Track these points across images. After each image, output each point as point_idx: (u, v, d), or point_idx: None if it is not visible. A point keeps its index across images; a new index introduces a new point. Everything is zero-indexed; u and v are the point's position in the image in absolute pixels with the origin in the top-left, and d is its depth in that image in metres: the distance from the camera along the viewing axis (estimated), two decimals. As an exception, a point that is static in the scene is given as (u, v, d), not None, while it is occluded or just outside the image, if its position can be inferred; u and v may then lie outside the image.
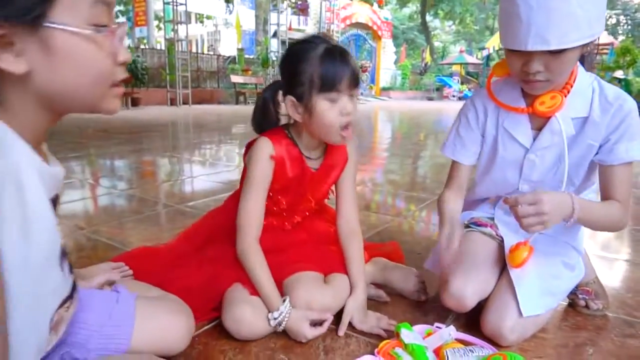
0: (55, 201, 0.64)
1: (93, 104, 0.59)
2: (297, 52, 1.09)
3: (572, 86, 1.00)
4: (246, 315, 1.02)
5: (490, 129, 1.12)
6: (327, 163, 1.22)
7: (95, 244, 1.69)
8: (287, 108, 1.11)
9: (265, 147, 1.13)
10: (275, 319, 1.03)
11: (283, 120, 1.20)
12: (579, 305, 1.23)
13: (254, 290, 1.08)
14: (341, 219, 1.24)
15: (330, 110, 1.06)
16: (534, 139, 1.07)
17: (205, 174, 3.19)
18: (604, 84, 1.02)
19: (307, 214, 1.31)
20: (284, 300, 1.06)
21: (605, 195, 1.04)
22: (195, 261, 1.24)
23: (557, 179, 1.07)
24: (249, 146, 1.18)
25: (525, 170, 1.11)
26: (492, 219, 1.23)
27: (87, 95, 0.57)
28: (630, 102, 1.00)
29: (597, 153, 1.03)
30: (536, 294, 1.04)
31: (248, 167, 1.15)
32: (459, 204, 1.18)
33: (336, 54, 1.06)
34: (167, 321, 0.92)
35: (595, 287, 1.24)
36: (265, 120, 1.17)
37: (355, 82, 1.08)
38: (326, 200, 1.37)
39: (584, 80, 1.02)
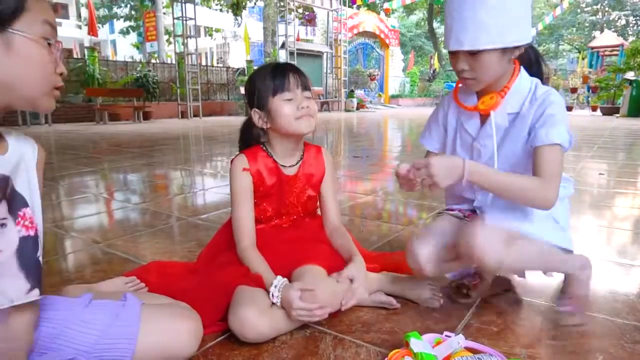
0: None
1: (34, 98, 0.73)
2: (252, 75, 1.30)
3: (509, 88, 1.15)
4: (250, 316, 1.05)
5: (452, 121, 1.30)
6: (304, 168, 1.37)
7: (110, 257, 1.73)
8: (255, 120, 1.28)
9: (239, 163, 1.30)
10: (275, 286, 1.11)
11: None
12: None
13: (256, 283, 1.14)
14: (326, 220, 1.42)
15: (285, 106, 1.23)
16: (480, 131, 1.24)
17: (217, 186, 3.23)
18: (539, 86, 1.16)
19: (295, 217, 1.41)
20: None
21: (536, 172, 1.10)
22: (207, 272, 1.28)
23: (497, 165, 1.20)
24: (232, 164, 1.33)
25: (474, 156, 1.24)
26: (473, 211, 1.32)
27: (32, 90, 0.71)
28: (555, 97, 1.12)
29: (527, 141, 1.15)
30: (504, 217, 1.17)
31: (230, 183, 1.31)
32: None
33: (282, 64, 1.27)
34: (173, 325, 0.94)
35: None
36: (248, 140, 1.36)
37: (304, 86, 1.25)
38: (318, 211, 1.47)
39: (524, 83, 1.16)
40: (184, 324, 0.95)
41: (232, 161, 1.32)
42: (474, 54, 1.07)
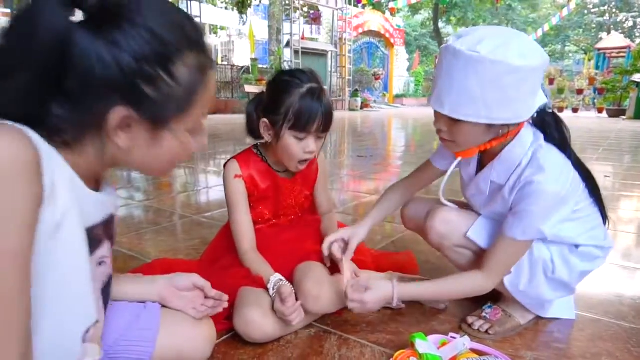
0: (106, 224, 0.71)
1: (151, 173, 0.72)
2: (283, 83, 1.19)
3: (494, 146, 1.04)
4: (255, 317, 1.06)
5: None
6: (299, 173, 1.35)
7: (115, 254, 1.72)
8: (261, 127, 1.24)
9: (231, 169, 1.29)
10: (271, 282, 1.12)
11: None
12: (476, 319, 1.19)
13: (259, 285, 1.14)
14: (319, 209, 1.47)
15: (294, 145, 1.20)
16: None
17: (221, 185, 3.22)
18: (536, 160, 1.00)
19: (293, 217, 1.41)
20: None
21: (486, 258, 1.07)
22: (211, 273, 1.28)
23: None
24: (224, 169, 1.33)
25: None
26: None
27: (154, 170, 0.70)
28: (544, 185, 0.97)
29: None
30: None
31: (224, 188, 1.32)
32: (395, 201, 1.35)
33: (315, 96, 1.16)
34: (191, 330, 0.95)
35: (505, 318, 1.19)
36: (252, 130, 1.30)
37: (325, 127, 1.20)
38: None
39: (516, 152, 1.04)
40: (201, 330, 0.96)
41: (224, 166, 1.32)
42: (454, 119, 0.97)
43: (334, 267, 1.25)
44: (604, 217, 1.15)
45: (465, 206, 1.28)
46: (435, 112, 1.02)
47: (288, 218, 1.41)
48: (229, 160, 1.32)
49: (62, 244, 0.57)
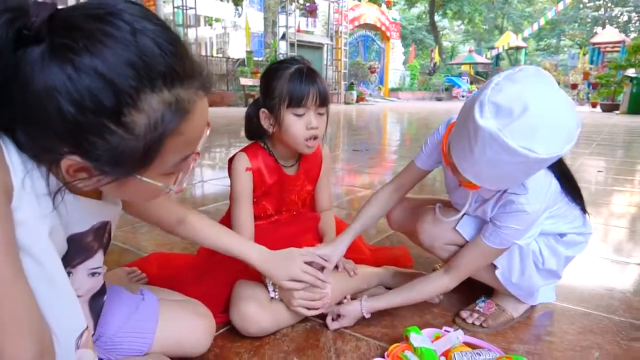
0: (98, 230, 0.70)
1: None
2: (272, 70, 1.22)
3: None
4: (252, 311, 1.07)
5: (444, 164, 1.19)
6: (303, 167, 1.37)
7: (110, 248, 1.73)
8: (262, 120, 1.24)
9: (242, 161, 1.28)
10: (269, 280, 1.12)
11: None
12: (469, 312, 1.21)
13: (256, 278, 1.15)
14: (318, 205, 1.47)
15: (296, 124, 1.20)
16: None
17: (216, 178, 3.23)
18: (524, 183, 0.99)
19: (294, 213, 1.42)
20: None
21: (455, 259, 1.13)
22: (207, 266, 1.29)
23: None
24: (231, 161, 1.30)
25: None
26: None
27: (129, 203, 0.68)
28: (522, 207, 0.99)
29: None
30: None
31: (231, 181, 1.30)
32: (380, 208, 1.30)
33: (303, 72, 1.19)
34: (190, 322, 0.96)
35: (498, 312, 1.21)
36: (252, 131, 1.32)
37: (321, 101, 1.20)
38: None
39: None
40: (200, 322, 0.97)
41: (232, 159, 1.31)
42: None
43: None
44: (583, 208, 1.17)
45: (450, 205, 1.29)
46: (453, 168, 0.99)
47: (290, 213, 1.42)
48: (237, 153, 1.30)
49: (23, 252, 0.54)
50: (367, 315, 1.15)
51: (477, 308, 1.22)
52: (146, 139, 0.53)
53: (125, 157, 0.53)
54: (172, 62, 0.53)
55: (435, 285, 1.15)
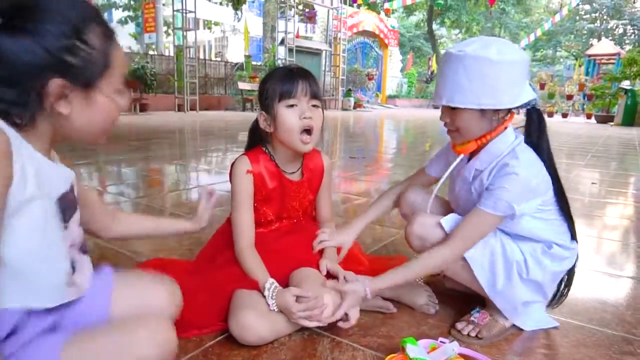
0: (65, 197, 0.80)
1: (95, 137, 0.82)
2: (266, 75, 1.31)
3: (486, 142, 1.18)
4: (250, 320, 1.08)
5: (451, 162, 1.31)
6: (305, 175, 1.39)
7: (105, 252, 1.73)
8: (260, 123, 1.29)
9: (243, 165, 1.31)
10: (268, 290, 1.14)
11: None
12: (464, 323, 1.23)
13: (253, 287, 1.16)
14: (318, 215, 1.49)
15: (289, 114, 1.24)
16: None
17: (213, 183, 3.24)
18: (516, 152, 1.13)
19: (295, 221, 1.43)
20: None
21: (456, 228, 1.17)
22: (206, 273, 1.30)
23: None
24: (232, 166, 1.33)
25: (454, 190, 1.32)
26: None
27: (96, 133, 0.81)
28: (520, 169, 1.09)
29: None
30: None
31: (232, 184, 1.32)
32: (390, 203, 1.47)
33: (293, 70, 1.27)
34: (149, 285, 0.99)
35: (492, 323, 1.22)
36: (255, 139, 1.38)
37: (312, 94, 1.25)
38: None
39: (500, 145, 1.17)
40: (161, 284, 1.00)
41: (233, 163, 1.33)
42: (453, 108, 1.15)
43: (330, 273, 1.27)
44: (571, 225, 1.22)
45: (449, 208, 1.34)
46: (441, 108, 1.19)
47: (291, 221, 1.42)
48: (239, 156, 1.33)
49: (27, 219, 0.70)
50: (370, 296, 1.16)
51: (472, 319, 1.23)
52: (101, 51, 0.76)
53: (92, 66, 0.75)
54: (93, 8, 0.78)
55: (436, 257, 1.16)
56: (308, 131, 1.25)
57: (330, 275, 1.27)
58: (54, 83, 0.71)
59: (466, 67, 1.09)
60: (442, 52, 1.15)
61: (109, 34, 0.78)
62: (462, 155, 1.23)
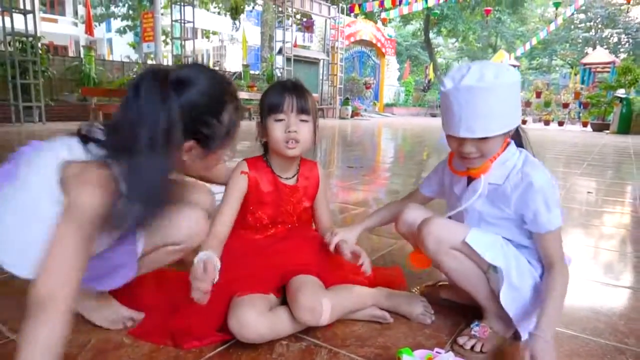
0: None
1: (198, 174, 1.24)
2: (265, 90, 1.39)
3: (497, 157, 1.21)
4: (249, 317, 1.10)
5: (447, 182, 1.40)
6: (301, 181, 1.45)
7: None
8: (257, 133, 1.39)
9: (239, 166, 1.40)
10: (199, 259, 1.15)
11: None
12: (466, 337, 1.23)
13: (252, 291, 1.19)
14: (319, 225, 1.53)
15: (277, 128, 1.31)
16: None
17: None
18: (528, 162, 1.20)
19: (290, 226, 1.46)
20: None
21: (546, 257, 1.20)
22: None
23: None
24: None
25: (464, 219, 1.30)
26: None
27: (195, 175, 1.23)
28: (539, 179, 1.15)
29: (526, 223, 1.20)
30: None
31: (227, 183, 1.41)
32: (391, 213, 1.51)
33: (286, 85, 1.33)
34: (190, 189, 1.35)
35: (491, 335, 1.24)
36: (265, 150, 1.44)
37: (300, 109, 1.31)
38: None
39: (510, 155, 1.22)
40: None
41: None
42: (483, 138, 1.13)
43: (328, 280, 1.29)
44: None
45: None
46: (458, 141, 1.17)
47: (285, 226, 1.45)
48: (239, 161, 1.43)
49: None
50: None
51: (473, 333, 1.24)
52: (228, 127, 1.05)
53: (218, 138, 1.04)
54: (233, 87, 1.08)
55: (559, 283, 1.15)
56: (293, 140, 1.32)
57: (329, 279, 1.30)
58: (188, 144, 1.00)
59: (493, 96, 1.09)
60: (451, 86, 1.12)
61: (238, 110, 1.05)
62: (481, 176, 1.23)
